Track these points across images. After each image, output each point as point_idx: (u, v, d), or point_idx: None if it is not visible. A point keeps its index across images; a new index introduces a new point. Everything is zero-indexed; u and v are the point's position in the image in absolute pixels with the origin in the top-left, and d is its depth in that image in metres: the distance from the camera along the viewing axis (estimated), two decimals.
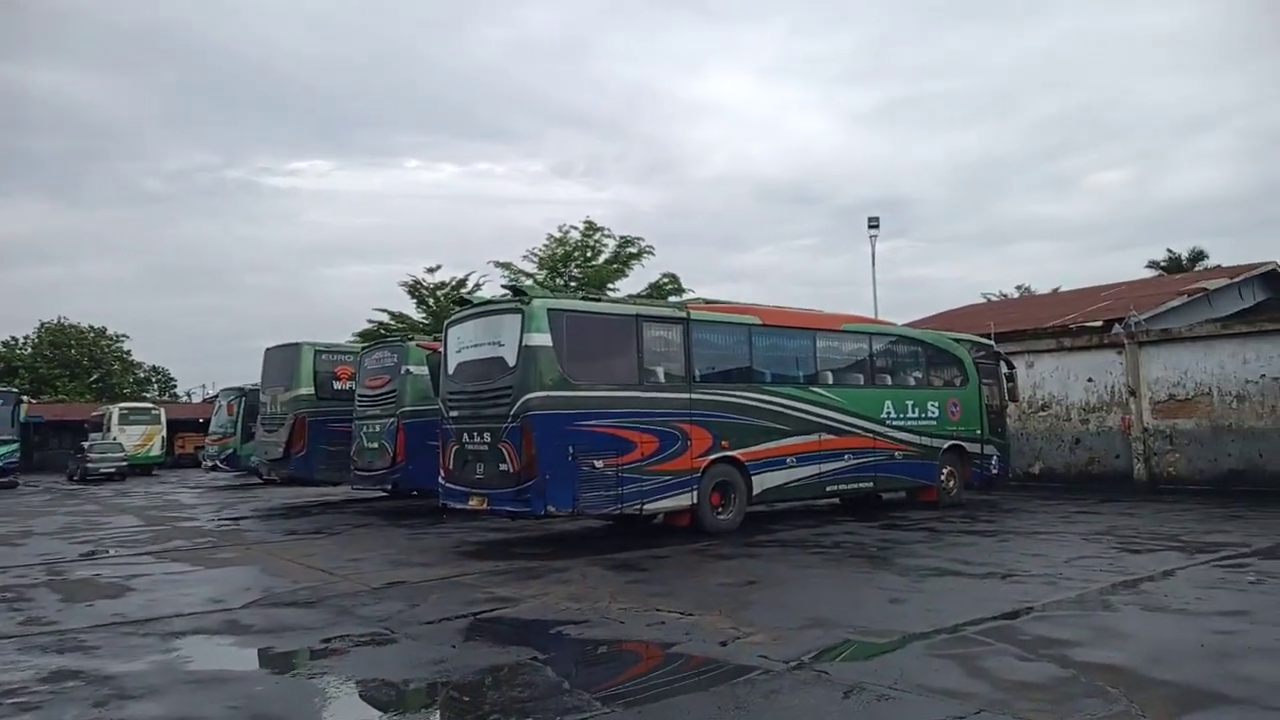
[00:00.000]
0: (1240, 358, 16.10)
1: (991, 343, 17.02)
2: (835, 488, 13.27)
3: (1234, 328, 16.75)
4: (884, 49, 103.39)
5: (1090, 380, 18.32)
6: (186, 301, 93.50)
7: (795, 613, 6.74)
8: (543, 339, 10.20)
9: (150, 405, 41.07)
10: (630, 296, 23.38)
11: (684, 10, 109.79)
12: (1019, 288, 50.64)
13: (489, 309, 11.29)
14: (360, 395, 16.42)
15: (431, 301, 35.19)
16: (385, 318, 35.60)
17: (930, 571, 8.49)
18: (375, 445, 15.63)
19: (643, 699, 4.83)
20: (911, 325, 18.86)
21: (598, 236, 34.24)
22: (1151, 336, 17.66)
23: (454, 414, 11.20)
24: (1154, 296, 21.85)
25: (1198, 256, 43.75)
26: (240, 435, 25.58)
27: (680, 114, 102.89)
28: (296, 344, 18.33)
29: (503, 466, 10.27)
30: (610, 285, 32.51)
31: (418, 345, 15.77)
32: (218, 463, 27.43)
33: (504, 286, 16.08)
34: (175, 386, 65.65)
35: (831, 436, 13.01)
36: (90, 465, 31.04)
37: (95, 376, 56.40)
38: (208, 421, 30.51)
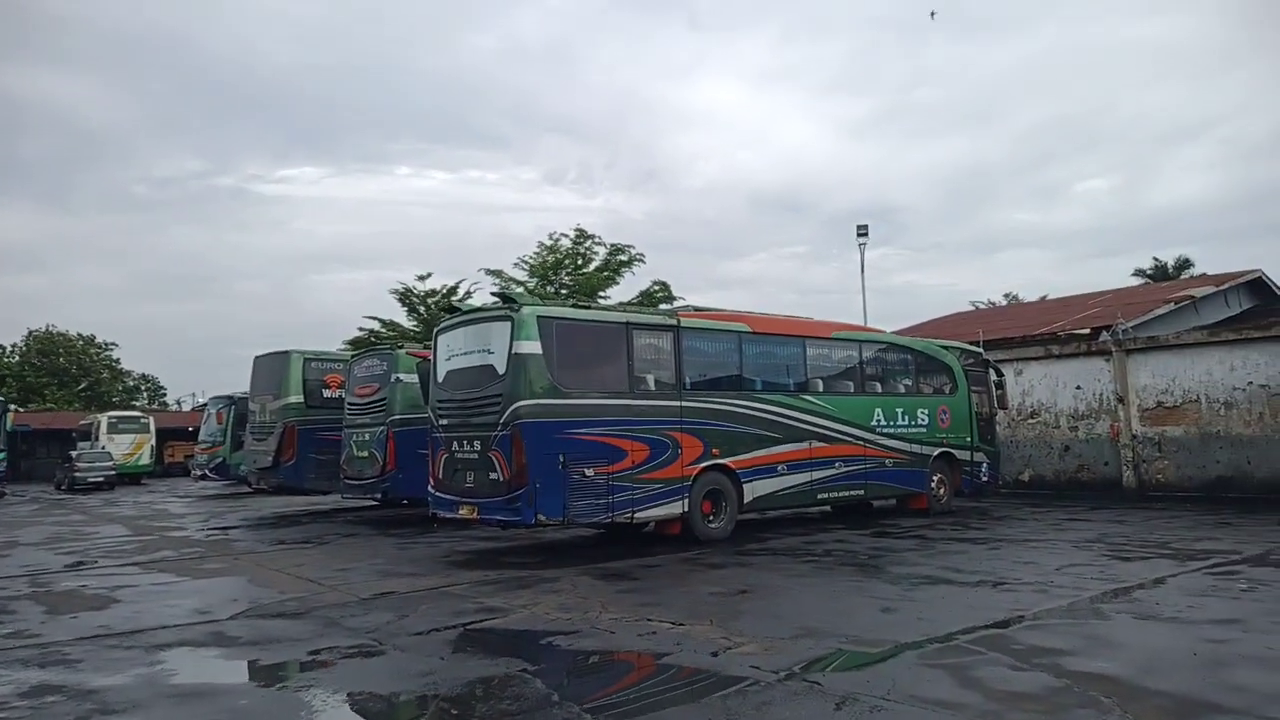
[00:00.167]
0: (1228, 365, 16.17)
1: (981, 350, 17.05)
2: (826, 495, 13.25)
3: (1221, 335, 16.83)
4: (872, 58, 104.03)
5: (1079, 388, 18.38)
6: (176, 309, 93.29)
7: (787, 622, 6.70)
8: (532, 347, 10.16)
9: (139, 414, 40.78)
10: (621, 304, 23.35)
11: (673, 20, 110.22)
12: (1007, 295, 50.96)
13: (478, 316, 11.24)
14: (350, 403, 16.35)
15: (422, 309, 35.11)
16: (376, 325, 35.51)
17: (922, 580, 8.46)
18: (365, 454, 15.54)
19: (633, 711, 4.78)
20: (900, 333, 18.89)
21: (588, 244, 34.27)
22: (1139, 344, 17.73)
23: (444, 422, 11.14)
24: (1141, 304, 21.96)
25: (1184, 264, 44.06)
26: (229, 444, 25.40)
27: (671, 122, 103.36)
28: (285, 352, 18.26)
29: (493, 475, 10.21)
30: (601, 293, 32.53)
31: (407, 353, 15.73)
32: (207, 471, 27.23)
33: (493, 294, 16.01)
34: (165, 395, 65.39)
35: (822, 444, 13.00)
36: (78, 474, 30.79)
37: (84, 385, 56.06)
38: (197, 430, 30.32)
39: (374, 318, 35.96)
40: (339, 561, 11.00)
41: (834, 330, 14.26)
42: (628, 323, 11.27)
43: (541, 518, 9.98)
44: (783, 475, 12.45)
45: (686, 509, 11.19)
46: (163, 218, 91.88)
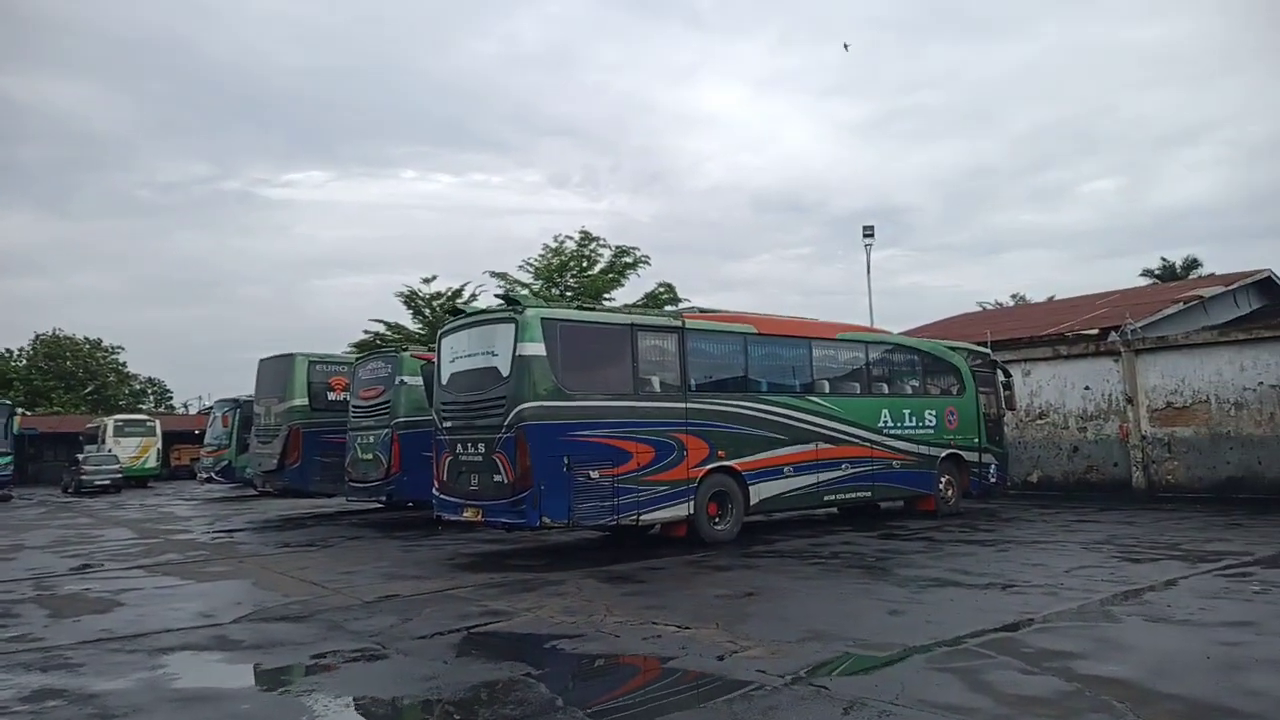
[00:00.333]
0: (1238, 365, 16.05)
1: (988, 351, 16.95)
2: (833, 497, 13.17)
3: (1231, 335, 16.70)
4: (874, 61, 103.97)
5: (1087, 388, 18.26)
6: (182, 313, 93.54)
7: (793, 625, 6.64)
8: (536, 349, 10.11)
9: (145, 417, 40.86)
10: (626, 306, 23.31)
11: (675, 23, 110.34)
12: (1013, 296, 50.81)
13: (482, 318, 11.20)
14: (354, 406, 16.33)
15: (427, 312, 35.11)
16: (381, 328, 35.54)
17: (930, 582, 8.39)
18: (370, 456, 15.52)
19: (638, 716, 4.74)
20: (907, 334, 18.80)
21: (593, 246, 34.24)
22: (1148, 344, 17.61)
23: (448, 425, 11.09)
24: (1150, 304, 21.83)
25: (1192, 265, 43.87)
26: (235, 447, 25.41)
27: (674, 125, 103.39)
28: (290, 355, 18.24)
29: (497, 478, 10.17)
30: (606, 295, 32.50)
31: (412, 355, 15.70)
32: (213, 474, 27.24)
33: (497, 296, 15.97)
34: (171, 398, 65.55)
35: (829, 446, 12.92)
36: (85, 477, 30.81)
37: (91, 388, 56.19)
38: (203, 433, 30.35)
39: (379, 320, 36.05)
40: (343, 564, 10.97)
41: (840, 331, 14.18)
42: (632, 324, 11.22)
43: (546, 520, 9.92)
44: (789, 477, 12.38)
45: (692, 511, 11.13)
46: (167, 222, 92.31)
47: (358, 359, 17.76)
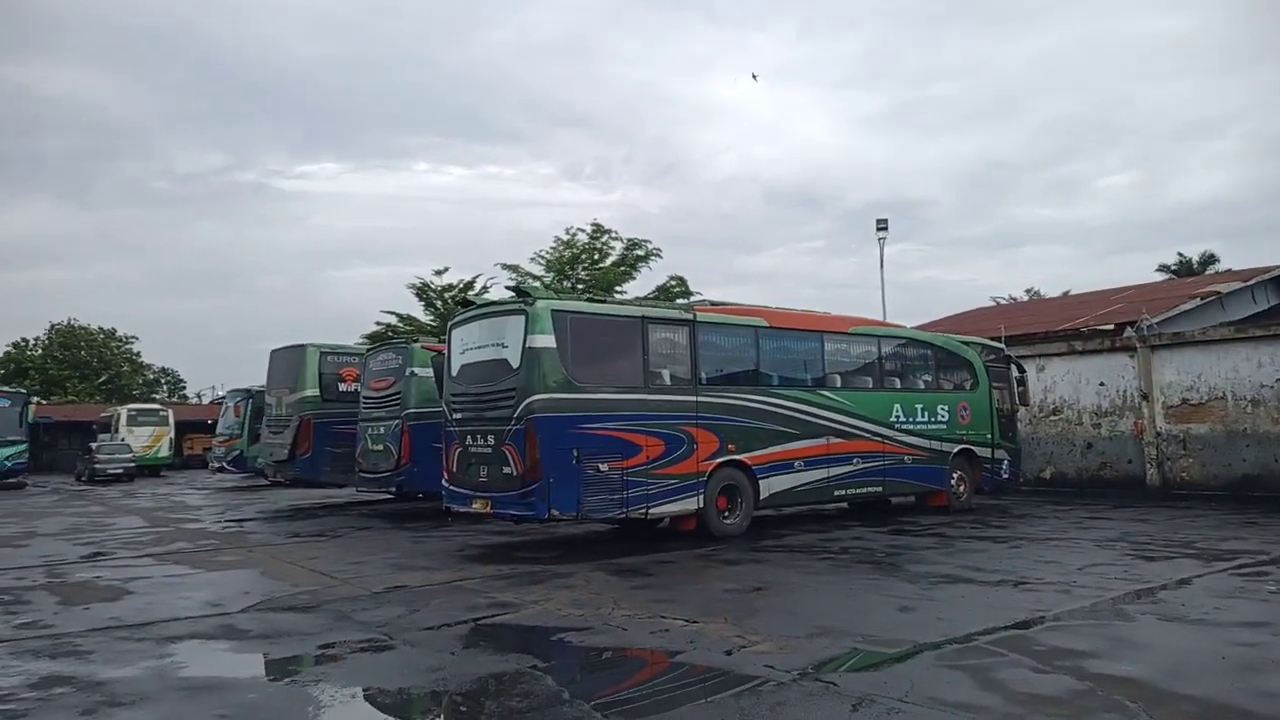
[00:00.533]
0: (1255, 362, 15.87)
1: (1002, 346, 16.83)
2: (843, 492, 13.11)
3: (1248, 331, 16.52)
4: (890, 52, 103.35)
5: (1102, 384, 18.11)
6: (196, 303, 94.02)
7: (802, 621, 6.59)
8: (547, 340, 10.08)
9: (159, 407, 41.14)
10: (637, 299, 23.26)
11: (690, 14, 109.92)
12: (1028, 291, 50.47)
13: (493, 310, 11.18)
14: (365, 397, 16.35)
15: (439, 304, 35.13)
16: (393, 320, 35.57)
17: (940, 578, 8.32)
18: (380, 447, 15.54)
19: (645, 710, 4.70)
20: (921, 328, 18.69)
21: (605, 239, 34.16)
22: (1164, 340, 17.44)
23: (458, 416, 11.08)
24: (1166, 300, 21.61)
25: (1209, 260, 43.49)
26: (247, 437, 25.53)
27: (688, 117, 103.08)
28: (301, 346, 18.28)
29: (506, 469, 10.15)
30: (618, 287, 32.44)
31: (423, 347, 15.70)
32: (225, 464, 27.40)
33: (508, 287, 15.99)
34: (184, 388, 65.88)
35: (840, 440, 12.86)
36: (98, 466, 31.06)
37: (105, 378, 56.56)
38: (216, 423, 30.51)
39: (391, 312, 36.07)
40: (352, 555, 10.98)
41: (852, 325, 14.09)
42: (643, 317, 11.17)
43: (555, 512, 9.91)
44: (799, 471, 12.32)
45: (702, 505, 11.09)
46: (184, 213, 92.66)
47: (369, 350, 17.79)
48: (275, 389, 19.02)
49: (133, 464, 32.05)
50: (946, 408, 14.57)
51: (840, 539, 11.42)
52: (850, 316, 14.52)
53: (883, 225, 29.58)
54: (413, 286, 36.03)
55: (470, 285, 35.47)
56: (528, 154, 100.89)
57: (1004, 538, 11.29)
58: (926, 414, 14.21)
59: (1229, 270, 33.58)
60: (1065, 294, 40.05)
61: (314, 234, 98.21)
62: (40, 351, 56.80)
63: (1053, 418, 18.87)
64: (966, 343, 15.91)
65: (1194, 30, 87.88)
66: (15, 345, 56.99)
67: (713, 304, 12.76)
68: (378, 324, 36.10)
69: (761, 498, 11.86)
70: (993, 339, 17.25)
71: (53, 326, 57.98)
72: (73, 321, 58.57)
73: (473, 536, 12.49)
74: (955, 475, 14.56)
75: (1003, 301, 44.69)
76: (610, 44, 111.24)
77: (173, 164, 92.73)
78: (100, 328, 59.28)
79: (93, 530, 14.76)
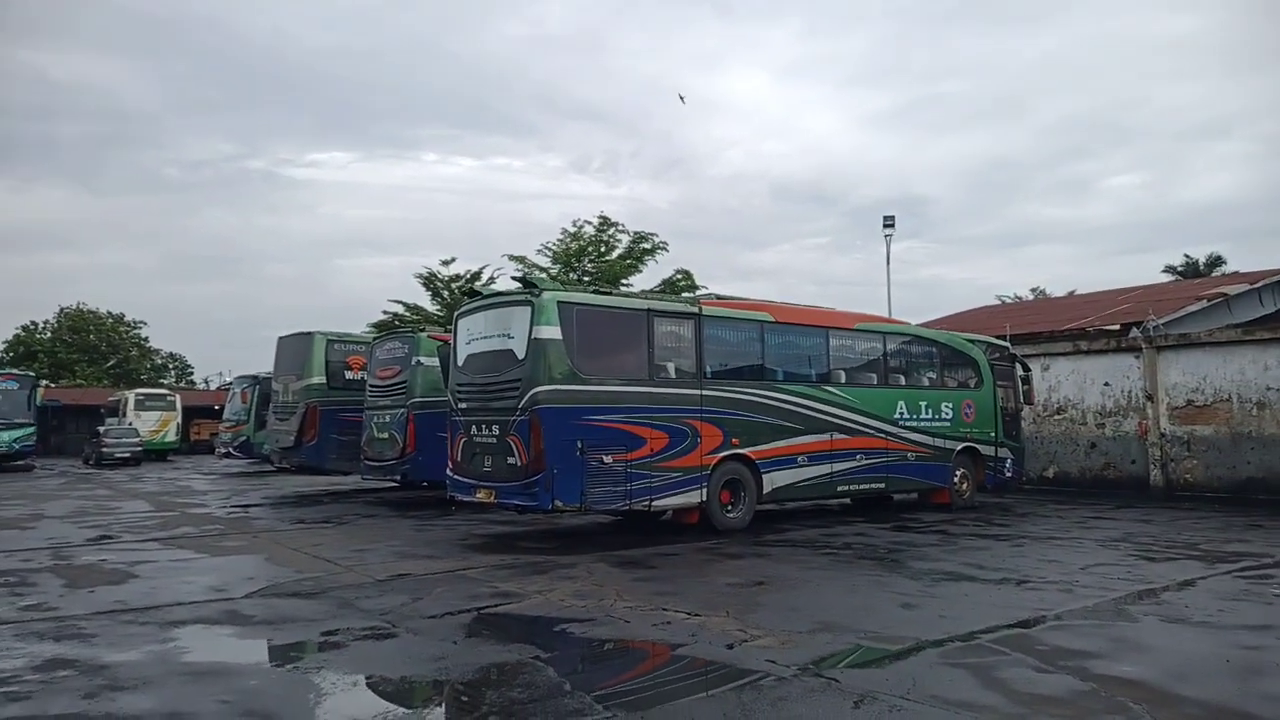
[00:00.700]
0: (1261, 364, 15.80)
1: (1007, 344, 16.78)
2: (846, 488, 13.11)
3: (1256, 334, 16.43)
4: (899, 50, 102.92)
5: (1107, 384, 18.05)
6: (205, 289, 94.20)
7: (804, 616, 6.59)
8: (552, 332, 10.08)
9: (166, 391, 41.25)
10: (643, 291, 23.24)
11: (700, 9, 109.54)
12: (1033, 290, 50.32)
13: (499, 301, 11.17)
14: (371, 385, 16.38)
15: (446, 294, 35.12)
16: (400, 309, 35.59)
17: (943, 576, 8.31)
18: (385, 436, 15.57)
19: (645, 702, 4.70)
20: (925, 326, 18.63)
21: (612, 232, 34.07)
22: (1170, 341, 17.37)
23: (463, 406, 11.10)
24: (1172, 301, 21.53)
25: (1215, 262, 43.28)
26: (253, 423, 25.62)
27: (696, 111, 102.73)
28: (309, 333, 18.31)
29: (511, 460, 10.16)
30: (624, 281, 32.37)
31: (429, 336, 15.73)
32: (231, 450, 27.49)
33: (514, 278, 15.95)
34: (192, 373, 66.06)
35: (843, 436, 12.85)
36: (105, 450, 31.17)
37: (113, 362, 56.73)
38: (223, 408, 30.60)
39: (398, 301, 36.09)
40: (357, 542, 11.01)
41: (858, 321, 14.06)
42: (649, 309, 11.16)
43: (558, 503, 9.92)
44: (802, 466, 12.32)
45: (705, 498, 11.09)
46: (194, 200, 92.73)
47: (375, 339, 17.80)
48: (282, 376, 19.07)
49: (140, 448, 32.17)
50: (951, 405, 14.55)
51: (843, 534, 11.42)
52: (855, 313, 14.48)
53: (889, 222, 29.49)
54: (420, 276, 36.07)
55: (477, 276, 35.46)
56: (536, 146, 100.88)
57: (1007, 536, 11.27)
58: (930, 411, 14.18)
59: (1236, 272, 33.44)
60: (1071, 293, 39.96)
61: (323, 223, 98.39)
62: (49, 335, 56.97)
63: (1057, 417, 18.82)
64: (972, 340, 15.87)
65: (1203, 31, 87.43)
66: (25, 329, 57.17)
67: (718, 298, 12.73)
68: (385, 313, 36.16)
69: (764, 492, 11.86)
70: (998, 337, 17.20)
71: (62, 310, 58.19)
72: (82, 306, 58.77)
73: (476, 526, 12.52)
74: (958, 473, 14.54)
75: (1008, 300, 44.55)
76: (620, 37, 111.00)
77: (183, 151, 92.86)
78: (109, 312, 59.49)
79: (99, 513, 14.82)
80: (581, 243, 33.92)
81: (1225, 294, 21.32)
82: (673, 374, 11.11)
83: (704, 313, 11.61)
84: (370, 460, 16.04)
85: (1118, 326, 19.73)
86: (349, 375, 18.07)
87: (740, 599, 7.34)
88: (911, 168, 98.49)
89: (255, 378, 26.42)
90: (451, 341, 11.81)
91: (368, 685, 5.10)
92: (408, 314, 34.72)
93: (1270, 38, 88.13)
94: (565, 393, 10.05)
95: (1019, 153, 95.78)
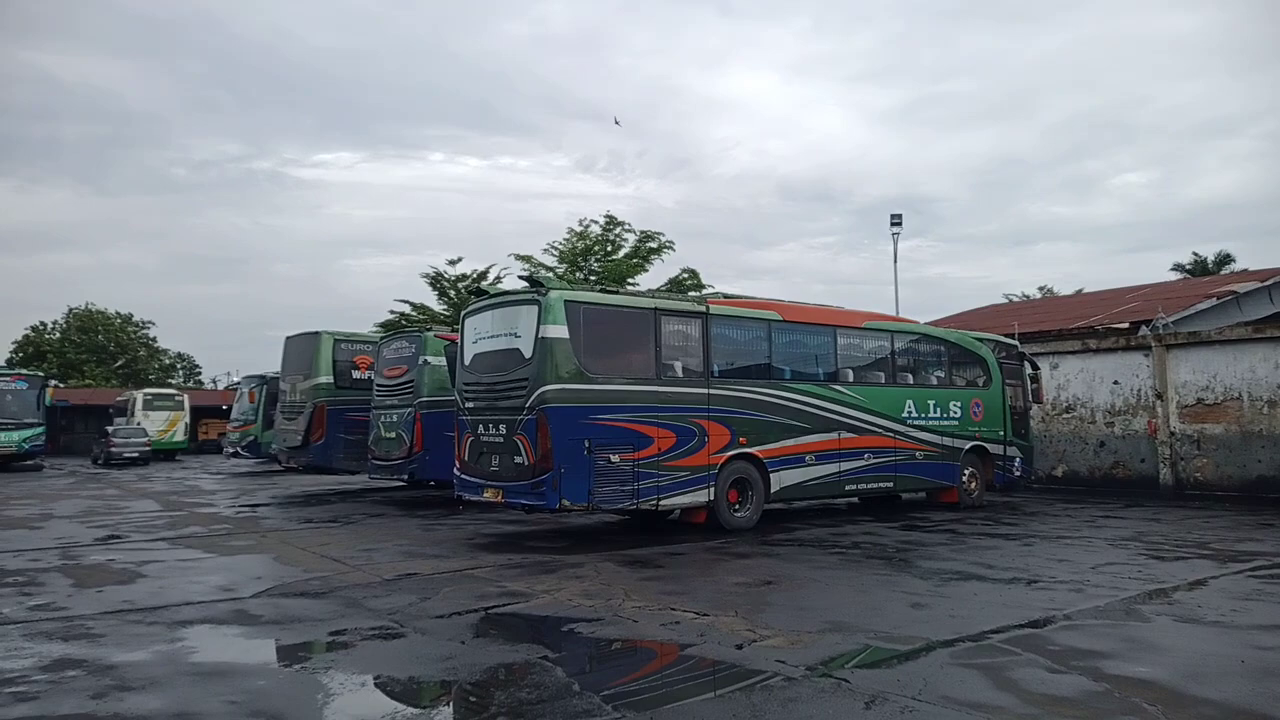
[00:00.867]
0: (1272, 362, 15.70)
1: (1016, 343, 16.71)
2: (854, 487, 13.06)
3: (1266, 331, 16.33)
4: (905, 48, 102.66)
5: (1116, 383, 17.96)
6: (213, 290, 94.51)
7: (813, 615, 6.56)
8: (559, 331, 10.06)
9: (174, 391, 41.38)
10: (650, 291, 23.21)
11: (705, 7, 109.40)
12: (1041, 289, 50.13)
13: (506, 300, 11.15)
14: (378, 385, 16.39)
15: (452, 293, 35.18)
16: (407, 309, 35.65)
17: (953, 575, 8.27)
18: (393, 435, 15.58)
19: (655, 703, 4.67)
20: (934, 325, 18.56)
21: (618, 231, 34.08)
22: (1180, 339, 17.27)
23: (470, 405, 11.08)
24: (1181, 299, 21.41)
25: (1224, 260, 43.03)
26: (261, 422, 25.65)
27: (702, 111, 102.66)
28: (316, 333, 18.33)
29: (518, 459, 10.15)
30: (630, 280, 32.38)
31: (436, 336, 15.72)
32: (239, 449, 27.54)
33: (521, 277, 15.94)
34: (200, 373, 66.31)
35: (851, 435, 12.80)
36: (114, 450, 31.25)
37: (121, 362, 56.95)
38: (231, 408, 30.66)
39: (405, 301, 36.19)
40: (364, 541, 11.01)
41: (865, 320, 14.01)
42: (656, 308, 11.13)
43: (566, 503, 9.90)
44: (810, 465, 12.28)
45: (712, 497, 11.06)
46: (200, 200, 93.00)
47: (383, 338, 17.81)
48: (290, 375, 19.09)
49: (148, 448, 32.23)
50: (959, 404, 14.49)
51: (851, 534, 11.37)
52: (863, 311, 14.43)
53: (897, 220, 29.46)
54: (426, 276, 36.17)
55: (483, 275, 35.53)
56: (542, 146, 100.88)
57: (1016, 535, 11.21)
58: (939, 410, 14.12)
59: (1245, 270, 33.24)
60: (1078, 292, 39.76)
61: (329, 223, 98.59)
62: (58, 335, 57.24)
63: (1065, 415, 18.74)
64: (980, 339, 15.80)
65: (1211, 29, 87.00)
66: (34, 329, 57.47)
67: (726, 296, 12.70)
68: (391, 312, 36.25)
69: (772, 491, 11.82)
70: (1007, 336, 17.13)
71: (71, 311, 58.47)
72: (90, 306, 59.05)
73: (483, 525, 12.51)
74: (967, 472, 14.48)
75: (1015, 299, 44.42)
76: (625, 37, 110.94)
77: (190, 152, 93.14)
78: (117, 312, 59.77)
79: (107, 513, 14.85)
80: (588, 242, 33.93)
81: (1235, 291, 21.19)
82: (680, 373, 11.07)
83: (711, 312, 11.58)
84: (377, 459, 16.05)
85: (1127, 325, 19.63)
86: (356, 375, 18.09)
87: (749, 598, 7.30)
88: (918, 166, 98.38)
89: (263, 377, 26.45)
90: (458, 341, 11.79)
91: (376, 685, 5.08)
92: (414, 313, 34.79)
93: (1277, 35, 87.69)
94: (572, 392, 10.03)
95: (1025, 151, 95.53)
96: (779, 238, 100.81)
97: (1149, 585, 7.68)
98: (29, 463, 29.00)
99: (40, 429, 29.18)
